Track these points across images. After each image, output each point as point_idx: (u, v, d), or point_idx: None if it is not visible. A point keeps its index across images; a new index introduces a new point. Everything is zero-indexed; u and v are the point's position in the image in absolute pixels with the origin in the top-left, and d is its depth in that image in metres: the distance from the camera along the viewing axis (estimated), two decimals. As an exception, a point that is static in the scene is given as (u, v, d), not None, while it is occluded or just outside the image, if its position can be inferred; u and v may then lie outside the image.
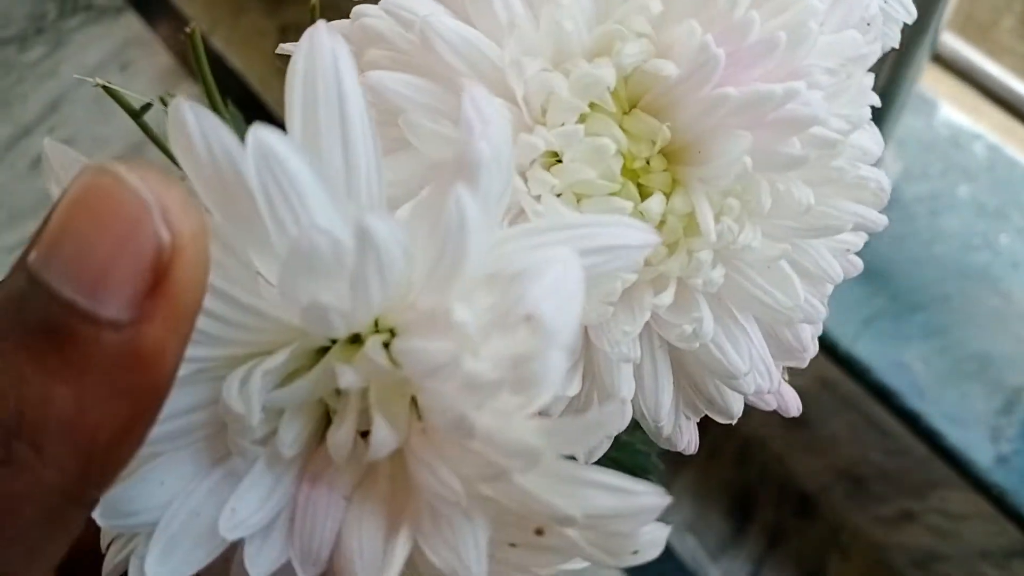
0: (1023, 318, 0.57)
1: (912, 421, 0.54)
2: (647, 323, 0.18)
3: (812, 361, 0.62)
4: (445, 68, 0.16)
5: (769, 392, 0.19)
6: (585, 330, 0.18)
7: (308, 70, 0.13)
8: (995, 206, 0.61)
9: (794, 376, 0.67)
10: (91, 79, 0.20)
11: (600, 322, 0.17)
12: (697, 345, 0.18)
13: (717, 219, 0.17)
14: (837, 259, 0.19)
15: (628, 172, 0.17)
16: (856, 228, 0.18)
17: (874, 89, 0.57)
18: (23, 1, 0.92)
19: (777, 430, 0.69)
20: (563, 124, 0.16)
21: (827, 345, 0.56)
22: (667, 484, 0.61)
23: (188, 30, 0.21)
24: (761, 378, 0.19)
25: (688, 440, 0.20)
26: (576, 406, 0.19)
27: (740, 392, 0.19)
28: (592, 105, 0.17)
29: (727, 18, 0.16)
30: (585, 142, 0.16)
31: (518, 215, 0.16)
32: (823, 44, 0.17)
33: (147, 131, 0.23)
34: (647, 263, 0.17)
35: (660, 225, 0.17)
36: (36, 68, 0.87)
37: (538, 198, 0.16)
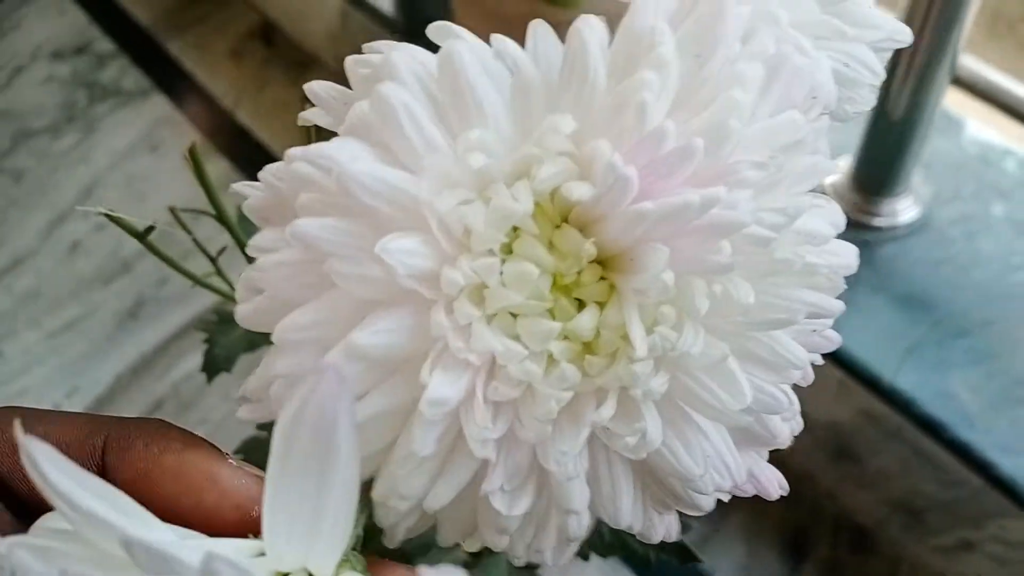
0: (1070, 337, 0.56)
1: (963, 452, 0.53)
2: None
3: (855, 394, 0.61)
4: (367, 210, 0.16)
5: (734, 488, 0.19)
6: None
7: (303, 412, 0.14)
8: (1032, 223, 0.60)
9: (838, 410, 0.66)
10: (93, 208, 0.21)
11: (539, 441, 0.17)
12: (645, 454, 0.17)
13: (651, 329, 0.16)
14: (806, 338, 0.19)
15: (561, 287, 0.17)
16: (811, 316, 0.18)
17: (896, 116, 0.57)
18: (54, 91, 0.94)
19: (826, 466, 0.68)
20: (489, 250, 0.16)
21: (869, 379, 0.55)
22: (716, 527, 0.61)
23: (188, 150, 0.22)
24: (720, 476, 0.18)
25: (665, 531, 0.20)
26: (535, 520, 0.18)
27: (698, 492, 0.18)
28: (516, 228, 0.17)
29: (639, 130, 0.16)
30: (507, 269, 0.16)
31: (443, 351, 0.16)
32: (755, 133, 0.17)
33: (152, 249, 0.23)
34: (585, 375, 0.17)
35: (595, 339, 0.17)
36: (69, 155, 0.89)
37: (468, 327, 0.16)
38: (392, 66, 0.17)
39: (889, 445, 0.61)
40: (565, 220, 0.17)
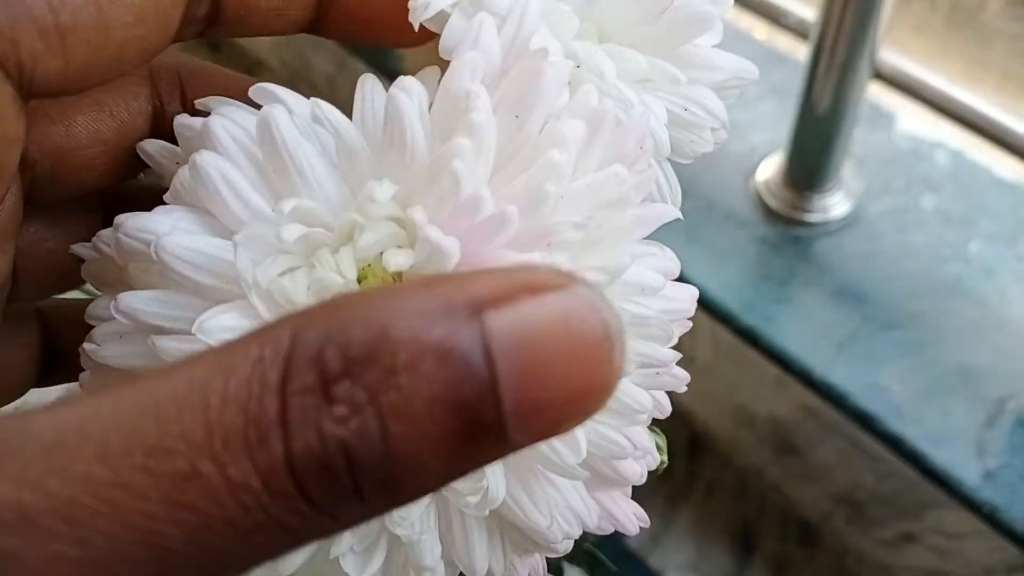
0: (1001, 327, 0.56)
1: (895, 444, 0.53)
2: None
3: (793, 389, 0.61)
4: (190, 281, 0.16)
5: (587, 531, 0.19)
6: None
7: None
8: (962, 214, 0.61)
9: (778, 405, 0.67)
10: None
11: None
12: (488, 511, 0.18)
13: None
14: (652, 380, 0.19)
15: None
16: (643, 367, 0.18)
17: (820, 111, 0.57)
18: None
19: (771, 461, 0.68)
20: None
21: (804, 373, 0.56)
22: (665, 525, 0.61)
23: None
24: (568, 525, 0.18)
25: (530, 571, 0.20)
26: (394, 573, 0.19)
27: (546, 544, 0.19)
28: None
29: (455, 198, 0.16)
30: None
31: None
32: (578, 190, 0.17)
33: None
34: None
35: None
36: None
37: None
38: (211, 133, 0.16)
39: (828, 438, 0.62)
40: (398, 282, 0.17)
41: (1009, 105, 0.62)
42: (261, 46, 0.95)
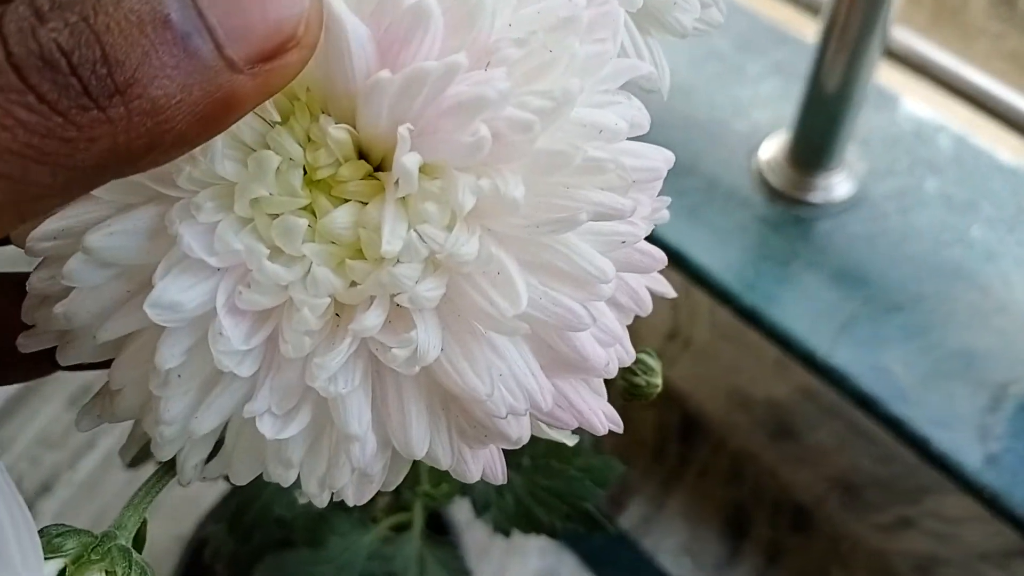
0: (1003, 311, 0.56)
1: (897, 427, 0.52)
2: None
3: (792, 371, 0.61)
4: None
5: (544, 415, 0.17)
6: None
7: None
8: (964, 198, 0.60)
9: (776, 388, 0.66)
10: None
11: (298, 355, 0.15)
12: (416, 369, 0.16)
13: (412, 226, 0.15)
14: (617, 253, 0.17)
15: (319, 184, 0.16)
16: (598, 217, 0.16)
17: (829, 90, 0.55)
18: None
19: (766, 444, 0.67)
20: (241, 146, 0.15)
21: (805, 355, 0.55)
22: (658, 508, 0.60)
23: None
24: (513, 398, 0.16)
25: (486, 470, 0.18)
26: (324, 452, 0.17)
27: (491, 415, 0.16)
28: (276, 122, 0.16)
29: None
30: (250, 160, 0.15)
31: (180, 254, 0.15)
32: (525, 17, 0.15)
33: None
34: (350, 281, 0.15)
35: (355, 240, 0.15)
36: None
37: (213, 226, 0.15)
38: None
39: (826, 422, 0.61)
40: (324, 111, 0.16)
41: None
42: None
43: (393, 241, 0.15)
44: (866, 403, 0.53)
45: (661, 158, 0.17)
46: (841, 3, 0.52)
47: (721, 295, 0.57)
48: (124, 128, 0.13)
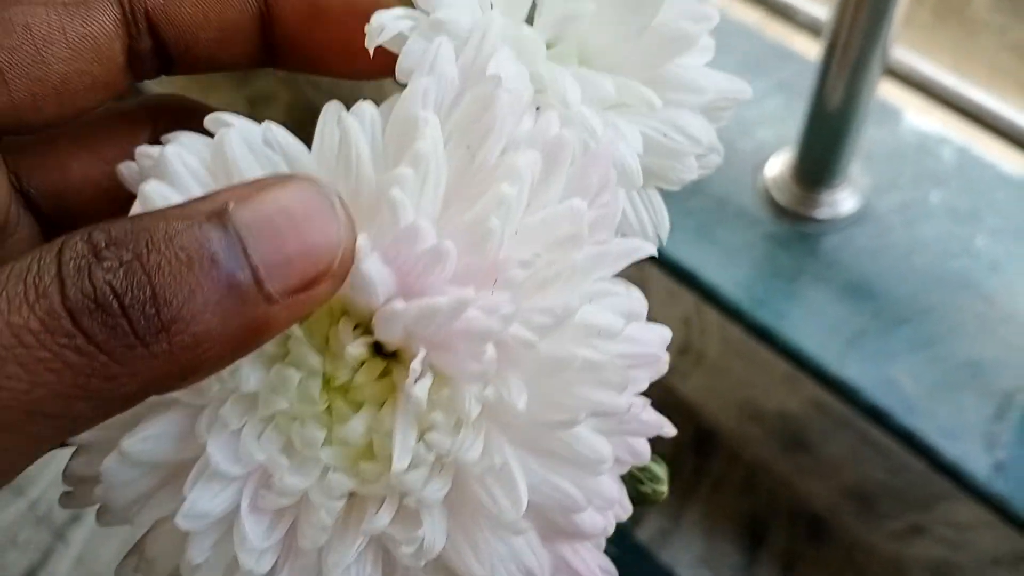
0: (1008, 321, 0.57)
1: (906, 439, 0.53)
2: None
3: (803, 385, 0.62)
4: None
5: None
6: None
7: None
8: (968, 209, 0.61)
9: (788, 401, 0.67)
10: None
11: (314, 547, 0.17)
12: (423, 563, 0.17)
13: (422, 436, 0.16)
14: (615, 426, 0.18)
15: (337, 388, 0.17)
16: (594, 415, 0.17)
17: (831, 107, 0.56)
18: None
19: (780, 456, 0.68)
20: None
21: (815, 369, 0.56)
22: (676, 521, 0.61)
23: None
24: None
25: None
26: None
27: None
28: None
29: (394, 227, 0.16)
30: (272, 374, 0.16)
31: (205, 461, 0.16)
32: (530, 226, 0.16)
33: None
34: (364, 481, 0.17)
35: (367, 446, 0.17)
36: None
37: (238, 433, 0.16)
38: (164, 161, 0.16)
39: (838, 433, 0.62)
40: (345, 314, 0.17)
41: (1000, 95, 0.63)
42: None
43: (403, 457, 0.16)
44: (876, 415, 0.54)
45: (658, 341, 0.18)
46: (843, 21, 0.53)
47: (731, 312, 0.58)
48: (165, 361, 0.14)
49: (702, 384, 0.70)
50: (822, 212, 0.61)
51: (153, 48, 0.19)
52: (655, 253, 0.18)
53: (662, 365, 0.18)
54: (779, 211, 0.62)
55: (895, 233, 0.61)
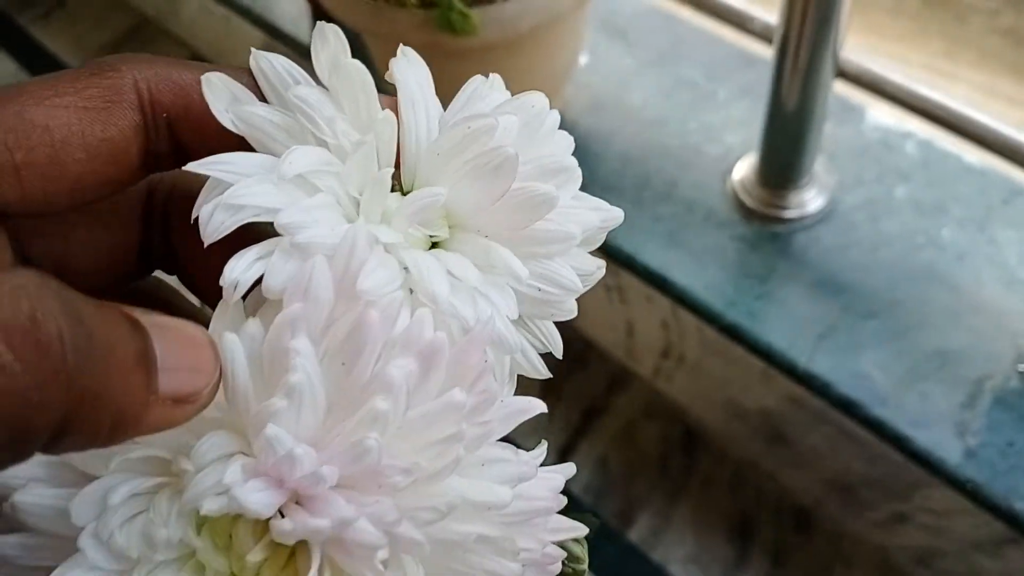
0: (975, 310, 0.58)
1: (878, 429, 0.55)
2: None
3: (778, 382, 0.63)
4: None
5: None
6: None
7: None
8: (933, 202, 0.63)
9: (766, 398, 0.68)
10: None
11: None
12: None
13: None
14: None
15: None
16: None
17: (789, 109, 0.58)
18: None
19: (764, 451, 0.70)
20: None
21: (786, 366, 0.57)
22: (665, 520, 0.62)
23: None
24: None
25: None
26: None
27: None
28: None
29: (273, 455, 0.17)
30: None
31: None
32: (410, 422, 0.17)
33: None
34: None
35: None
36: None
37: None
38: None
39: (816, 427, 0.63)
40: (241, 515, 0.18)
41: (985, 84, 0.64)
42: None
43: None
44: (848, 407, 0.56)
45: (550, 492, 0.20)
46: (791, 25, 0.54)
47: (704, 314, 0.60)
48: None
49: (686, 385, 0.71)
50: (789, 212, 0.62)
51: (170, 148, 0.20)
52: (544, 410, 0.20)
53: (560, 502, 0.20)
54: (747, 213, 0.63)
55: (862, 229, 0.62)
